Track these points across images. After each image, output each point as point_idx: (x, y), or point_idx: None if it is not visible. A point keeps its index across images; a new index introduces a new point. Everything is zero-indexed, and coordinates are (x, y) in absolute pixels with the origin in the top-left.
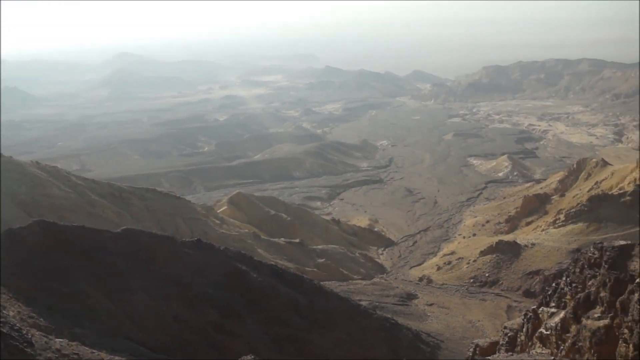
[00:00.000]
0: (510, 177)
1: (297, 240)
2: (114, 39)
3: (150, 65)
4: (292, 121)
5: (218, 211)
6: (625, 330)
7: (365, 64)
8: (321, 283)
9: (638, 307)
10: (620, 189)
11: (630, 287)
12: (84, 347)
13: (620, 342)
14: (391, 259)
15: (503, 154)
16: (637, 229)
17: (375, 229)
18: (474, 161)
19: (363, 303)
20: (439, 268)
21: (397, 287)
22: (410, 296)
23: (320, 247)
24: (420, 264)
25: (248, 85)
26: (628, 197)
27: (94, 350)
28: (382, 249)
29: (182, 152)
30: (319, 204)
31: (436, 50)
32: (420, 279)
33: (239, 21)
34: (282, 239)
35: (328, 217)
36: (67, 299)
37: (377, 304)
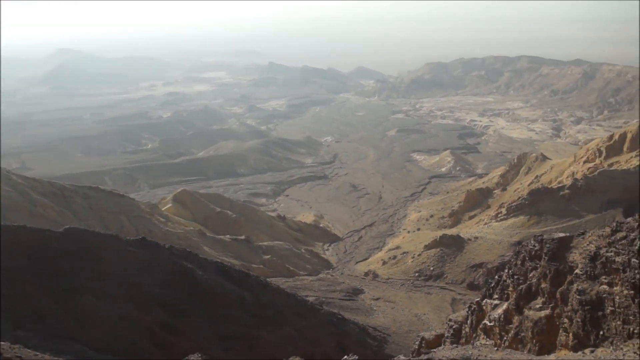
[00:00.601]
0: (453, 172)
1: (243, 237)
2: (54, 37)
3: (92, 62)
4: (236, 118)
5: (163, 209)
6: (566, 320)
7: (309, 61)
8: (267, 280)
9: (577, 297)
10: (559, 183)
11: (569, 277)
12: (26, 349)
13: (560, 331)
14: (337, 254)
15: (446, 149)
16: (576, 221)
17: (321, 225)
18: (418, 156)
19: (310, 299)
20: (384, 263)
21: (344, 283)
22: (357, 291)
23: (266, 243)
24: (365, 259)
25: (191, 81)
26: (567, 191)
27: (38, 353)
28: (328, 244)
29: (126, 149)
30: (264, 200)
31: (379, 47)
32: (366, 274)
33: (181, 18)
34: (228, 236)
35: (273, 214)
36: (9, 300)
37: (323, 299)
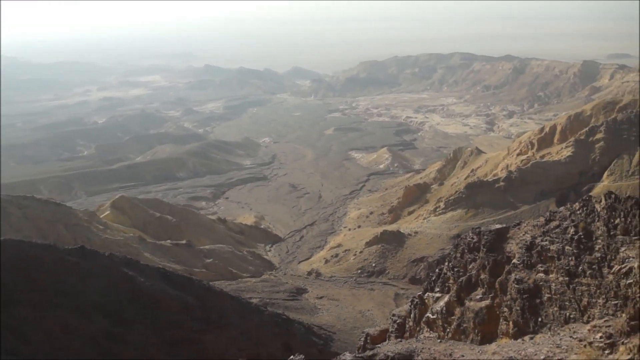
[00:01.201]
0: (391, 169)
1: (184, 242)
2: None
3: (24, 68)
4: (173, 121)
5: (101, 216)
6: (505, 309)
7: (245, 62)
8: (211, 283)
9: (515, 286)
10: (494, 176)
11: (507, 267)
12: None
13: (501, 320)
14: (279, 254)
15: (383, 147)
16: (512, 212)
17: (262, 226)
18: (355, 154)
19: (254, 300)
20: (326, 261)
21: (287, 283)
22: (300, 291)
23: (207, 247)
24: (308, 258)
25: (127, 86)
26: (502, 183)
27: None
28: (270, 245)
29: (61, 156)
30: (204, 203)
31: (314, 47)
32: (309, 273)
33: (115, 19)
34: (169, 241)
35: (214, 217)
36: None
37: (267, 300)
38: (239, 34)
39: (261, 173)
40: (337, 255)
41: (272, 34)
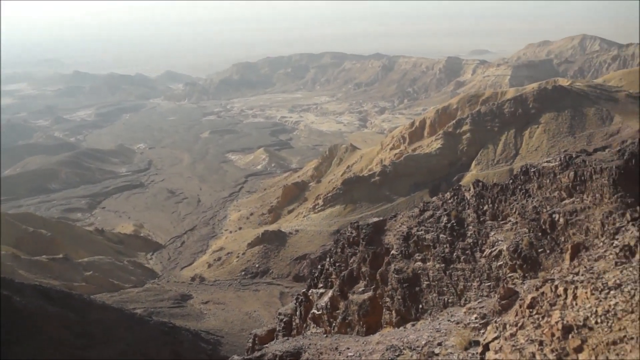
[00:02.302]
0: (268, 169)
1: (61, 256)
2: None
3: None
4: (43, 131)
5: None
6: (387, 299)
7: (115, 67)
8: (92, 297)
9: (395, 276)
10: (369, 171)
11: (386, 259)
12: None
13: (384, 310)
14: (161, 262)
15: (259, 147)
16: (388, 205)
17: (142, 234)
18: (233, 156)
19: (138, 311)
20: (209, 265)
21: (171, 290)
22: (185, 297)
23: (86, 259)
24: (190, 264)
25: None
26: (377, 177)
27: None
28: (151, 253)
29: None
30: (79, 215)
31: (186, 49)
32: (193, 279)
33: None
34: (44, 256)
35: (91, 228)
36: None
37: (152, 309)
38: (107, 38)
39: (138, 180)
40: (219, 258)
41: (141, 36)
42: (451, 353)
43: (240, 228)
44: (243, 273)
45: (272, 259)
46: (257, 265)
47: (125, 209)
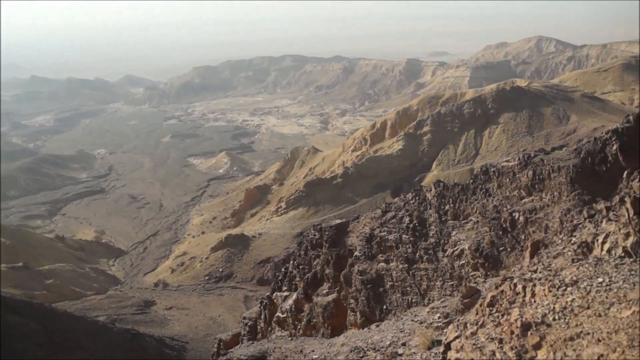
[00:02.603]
0: (230, 173)
1: (21, 264)
2: None
3: None
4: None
5: None
6: (352, 300)
7: (74, 72)
8: (53, 305)
9: (359, 277)
10: (332, 173)
11: (350, 260)
12: None
13: (348, 311)
14: (123, 268)
15: (221, 151)
16: (351, 206)
17: (103, 241)
18: (194, 161)
19: (101, 318)
20: (173, 270)
21: (134, 297)
22: (149, 303)
23: (47, 267)
24: (153, 270)
25: None
26: (339, 179)
27: None
28: (113, 259)
29: None
30: (39, 222)
31: (146, 53)
32: (156, 285)
33: None
34: (3, 265)
35: (51, 235)
36: None
37: (115, 317)
38: (65, 42)
39: (98, 186)
40: (183, 263)
41: (101, 40)
42: (414, 353)
43: (203, 232)
44: (207, 278)
45: (235, 262)
46: (220, 270)
47: (86, 215)
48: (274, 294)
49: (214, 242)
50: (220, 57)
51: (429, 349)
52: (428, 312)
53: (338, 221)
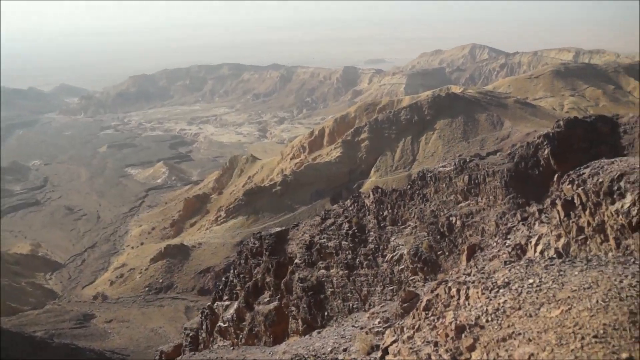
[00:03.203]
0: (169, 182)
1: None
2: None
3: None
4: None
5: None
6: (293, 308)
7: (6, 81)
8: None
9: (300, 285)
10: (271, 181)
11: (290, 268)
12: None
13: (290, 319)
14: (61, 282)
15: (159, 161)
16: (290, 214)
17: (40, 254)
18: (132, 171)
19: (39, 334)
20: (112, 283)
21: (72, 310)
22: (88, 317)
23: None
24: (92, 282)
25: None
26: (278, 187)
27: None
28: (50, 273)
29: None
30: None
31: (80, 62)
32: (95, 297)
33: None
34: None
35: None
36: None
37: (53, 331)
38: None
39: (33, 198)
40: (122, 275)
41: (34, 49)
42: (354, 359)
43: (142, 243)
44: (147, 289)
45: (175, 273)
46: (160, 281)
47: (21, 228)
48: (215, 304)
49: (154, 252)
50: (157, 65)
51: (369, 354)
52: (368, 317)
53: (278, 229)
